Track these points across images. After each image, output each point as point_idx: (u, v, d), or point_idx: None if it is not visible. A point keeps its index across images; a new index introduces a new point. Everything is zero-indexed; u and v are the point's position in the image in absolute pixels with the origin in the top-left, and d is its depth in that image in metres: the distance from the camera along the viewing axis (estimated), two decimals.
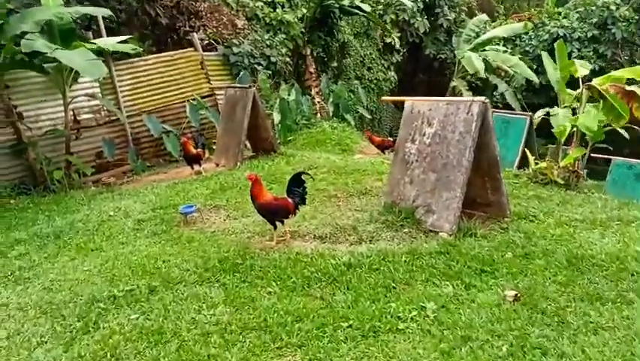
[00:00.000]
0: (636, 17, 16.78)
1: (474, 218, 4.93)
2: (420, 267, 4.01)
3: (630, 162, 9.57)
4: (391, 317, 3.34)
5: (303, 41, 13.03)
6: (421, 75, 20.55)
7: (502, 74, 16.69)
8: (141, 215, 5.93)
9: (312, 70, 13.30)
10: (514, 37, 18.14)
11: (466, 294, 3.58)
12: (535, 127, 9.93)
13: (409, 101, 5.30)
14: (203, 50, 10.64)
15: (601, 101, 6.99)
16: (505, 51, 16.75)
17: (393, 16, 17.06)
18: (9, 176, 8.20)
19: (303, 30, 13.00)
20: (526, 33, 17.53)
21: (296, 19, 12.77)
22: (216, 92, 10.60)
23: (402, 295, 3.62)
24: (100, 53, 8.68)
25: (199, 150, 8.03)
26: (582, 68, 8.16)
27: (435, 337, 3.11)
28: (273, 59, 11.70)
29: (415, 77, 20.36)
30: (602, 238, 4.47)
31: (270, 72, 11.60)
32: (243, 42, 11.22)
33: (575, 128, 7.02)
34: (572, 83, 10.53)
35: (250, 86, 8.26)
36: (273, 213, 4.68)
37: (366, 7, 13.55)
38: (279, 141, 9.66)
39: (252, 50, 11.28)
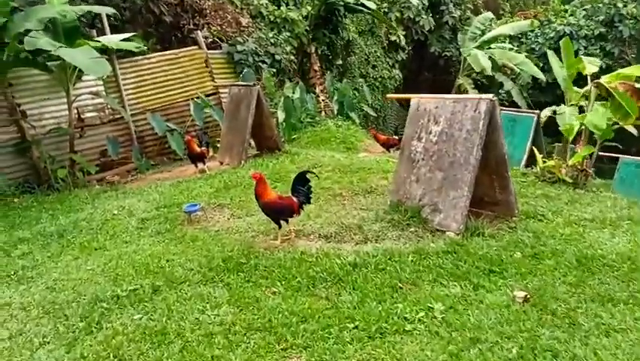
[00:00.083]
0: None
1: (481, 217, 4.86)
2: (427, 267, 3.95)
3: (638, 160, 9.47)
4: (398, 317, 3.28)
5: (307, 39, 12.96)
6: (426, 73, 20.44)
7: (508, 71, 16.57)
8: (145, 214, 5.89)
9: (316, 68, 13.24)
10: (519, 35, 18.02)
11: (474, 295, 3.52)
12: (542, 125, 9.83)
13: (415, 99, 5.23)
14: (208, 48, 10.60)
15: (609, 99, 6.90)
16: (511, 49, 16.62)
17: (398, 14, 16.96)
18: (13, 174, 8.18)
19: (307, 28, 12.93)
20: (532, 31, 17.42)
21: (300, 17, 12.70)
22: (220, 91, 10.56)
23: (409, 295, 3.56)
24: (104, 51, 8.65)
25: (203, 148, 7.99)
26: (591, 65, 8.07)
27: (443, 338, 3.05)
28: (277, 57, 11.64)
29: (419, 75, 20.26)
30: (612, 238, 4.40)
31: (275, 70, 11.55)
32: (248, 40, 11.17)
33: (582, 127, 6.93)
34: (578, 80, 10.45)
35: (254, 84, 8.21)
36: (278, 212, 4.63)
37: (372, 5, 13.46)
38: (283, 140, 9.60)
39: (256, 48, 11.23)
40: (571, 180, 6.25)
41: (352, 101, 13.22)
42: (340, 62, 14.63)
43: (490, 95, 4.67)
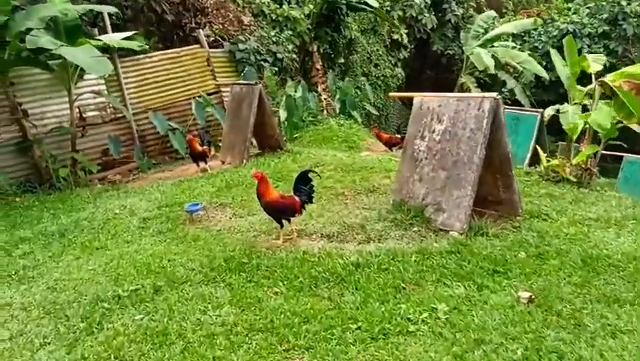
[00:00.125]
0: None
1: (485, 217, 4.82)
2: (430, 267, 3.91)
3: None
4: (401, 318, 3.24)
5: (309, 38, 12.92)
6: (429, 72, 20.38)
7: (511, 70, 16.50)
8: (147, 213, 5.87)
9: (318, 66, 13.19)
10: (522, 34, 17.95)
11: (478, 295, 3.48)
12: (545, 124, 9.77)
13: (418, 98, 5.19)
14: (209, 47, 10.56)
15: (613, 97, 6.85)
16: (514, 47, 16.54)
17: (400, 12, 16.90)
18: (14, 174, 8.16)
19: (309, 26, 12.88)
20: (535, 29, 17.32)
21: (302, 16, 12.65)
22: (222, 89, 10.53)
23: (412, 296, 3.53)
24: (106, 49, 8.63)
25: (205, 147, 7.96)
26: (595, 64, 7.99)
27: (447, 340, 3.01)
28: (279, 56, 11.60)
29: (422, 73, 20.20)
30: (617, 238, 4.36)
31: (277, 69, 11.51)
32: (249, 39, 11.14)
33: (587, 126, 6.88)
34: (582, 79, 10.38)
35: (256, 83, 8.18)
36: (280, 212, 4.60)
37: (374, 3, 13.40)
38: (285, 139, 9.57)
39: (258, 46, 11.19)
40: (575, 179, 6.21)
41: (354, 100, 13.17)
42: (342, 60, 14.58)
43: (494, 94, 4.64)
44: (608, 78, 6.87)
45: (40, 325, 3.59)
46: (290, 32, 12.19)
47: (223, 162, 8.31)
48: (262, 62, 11.19)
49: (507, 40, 16.98)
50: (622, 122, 7.05)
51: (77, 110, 8.70)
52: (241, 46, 10.90)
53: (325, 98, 12.79)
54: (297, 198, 4.58)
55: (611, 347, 2.85)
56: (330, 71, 13.66)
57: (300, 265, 4.04)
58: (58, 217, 6.20)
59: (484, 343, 2.96)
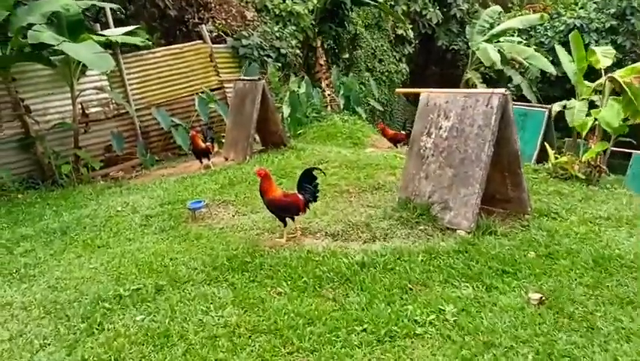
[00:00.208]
0: None
1: (493, 215, 4.73)
2: (437, 267, 3.82)
3: None
4: (408, 320, 3.16)
5: (313, 33, 12.80)
6: (433, 67, 20.22)
7: (517, 65, 16.32)
8: (149, 210, 5.81)
9: (322, 62, 13.07)
10: (528, 29, 17.73)
11: (487, 296, 3.40)
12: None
13: (424, 94, 5.09)
14: (212, 43, 10.47)
15: (621, 94, 6.73)
16: (520, 42, 16.37)
17: (404, 7, 16.73)
18: (17, 170, 8.11)
19: (313, 21, 12.77)
20: (542, 24, 17.12)
21: (306, 11, 12.53)
22: (225, 85, 10.44)
23: (419, 297, 3.44)
24: (109, 45, 8.57)
25: (208, 143, 7.88)
26: (605, 58, 7.85)
27: (455, 343, 2.93)
28: (282, 51, 11.49)
29: (426, 69, 20.05)
30: (629, 237, 4.25)
31: (280, 64, 11.40)
32: (253, 34, 11.03)
33: (596, 122, 6.76)
34: (589, 74, 10.23)
35: (259, 79, 8.09)
36: (283, 210, 4.52)
37: None
38: (288, 135, 9.48)
39: (261, 42, 11.08)
40: (584, 177, 6.10)
41: (359, 96, 13.06)
42: (346, 56, 14.45)
43: (503, 90, 4.53)
44: (618, 74, 6.74)
45: (40, 325, 3.53)
46: (293, 27, 12.07)
47: (226, 159, 8.24)
48: (265, 58, 11.09)
49: (513, 36, 16.80)
50: (628, 119, 6.92)
51: (80, 106, 8.64)
52: (244, 41, 10.80)
53: (329, 94, 12.69)
54: (300, 197, 4.50)
55: (625, 352, 2.76)
56: (334, 66, 13.54)
57: (304, 265, 3.97)
58: (61, 214, 6.15)
59: (494, 346, 2.87)
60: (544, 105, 10.35)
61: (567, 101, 10.93)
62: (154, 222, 5.42)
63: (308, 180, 4.58)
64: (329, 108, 12.27)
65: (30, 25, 7.03)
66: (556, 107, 10.49)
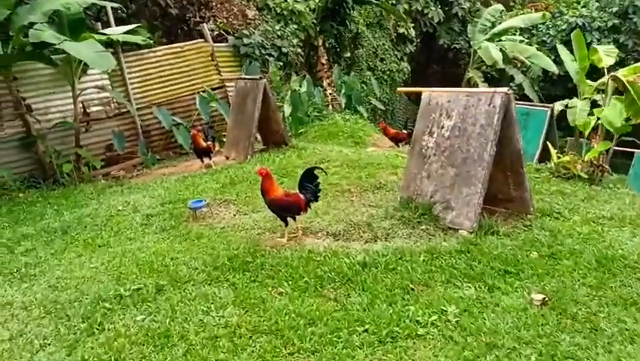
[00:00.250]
0: None
1: (495, 215, 4.71)
2: (439, 267, 3.80)
3: None
4: (410, 321, 3.14)
5: (314, 32, 12.77)
6: (435, 66, 20.16)
7: (519, 64, 16.27)
8: (150, 210, 5.80)
9: (323, 61, 13.04)
10: (530, 27, 17.66)
11: (489, 297, 3.37)
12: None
13: (426, 93, 5.06)
14: (214, 41, 10.45)
15: (624, 93, 6.68)
16: (522, 41, 16.31)
17: (406, 6, 16.67)
18: (18, 169, 8.10)
19: (314, 20, 12.73)
20: (543, 23, 17.06)
21: (307, 9, 12.50)
22: (227, 84, 10.42)
23: (421, 297, 3.42)
24: (110, 44, 8.55)
25: (209, 142, 7.86)
26: (607, 57, 7.80)
27: (457, 344, 2.91)
28: (284, 50, 11.46)
29: (428, 67, 19.99)
30: (632, 237, 4.22)
31: (281, 63, 11.38)
32: (254, 33, 11.00)
33: (599, 121, 6.72)
34: (591, 73, 10.18)
35: (261, 78, 8.06)
36: (284, 210, 4.50)
37: None
38: (290, 134, 9.46)
39: (262, 40, 11.05)
40: (586, 176, 6.06)
41: (360, 95, 13.03)
42: (348, 54, 14.41)
43: (505, 89, 4.50)
44: (621, 73, 6.70)
45: (40, 325, 3.52)
46: (295, 26, 12.04)
47: (227, 158, 8.22)
48: (267, 57, 11.06)
49: (515, 34, 16.74)
50: (630, 119, 6.88)
51: (81, 105, 8.62)
52: (245, 40, 10.78)
53: (331, 93, 12.66)
54: (301, 196, 4.48)
55: (629, 354, 2.74)
56: (336, 65, 13.51)
57: (306, 265, 3.95)
58: (62, 214, 6.14)
59: (497, 347, 2.85)
60: (546, 104, 10.30)
61: (569, 100, 10.89)
62: (155, 222, 5.41)
63: (309, 180, 4.56)
64: (330, 107, 12.24)
65: (31, 24, 7.02)
66: (558, 106, 10.45)
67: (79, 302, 3.76)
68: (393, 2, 16.24)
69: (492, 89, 4.61)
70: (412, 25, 16.87)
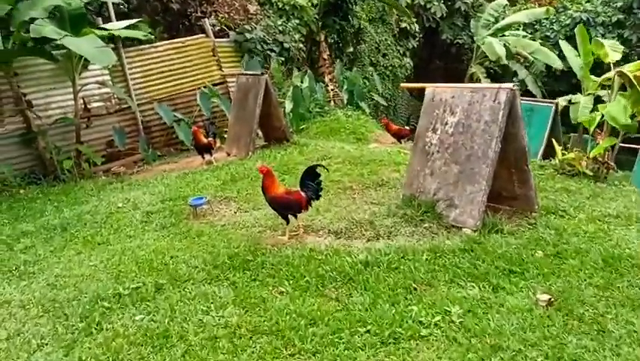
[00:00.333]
0: None
1: (499, 213, 4.64)
2: (442, 266, 3.74)
3: None
4: (413, 321, 3.08)
5: (316, 27, 12.67)
6: (437, 61, 20.03)
7: (522, 60, 16.14)
8: (150, 207, 5.75)
9: (325, 56, 12.94)
10: (534, 23, 17.50)
11: (494, 297, 3.31)
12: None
13: (429, 88, 4.98)
14: (215, 37, 10.37)
15: (629, 89, 6.59)
16: (525, 36, 16.17)
17: (409, 1, 16.52)
18: (19, 165, 8.07)
19: (316, 15, 12.63)
20: (547, 18, 16.90)
21: (310, 4, 12.39)
22: (228, 80, 10.35)
23: (424, 297, 3.37)
24: (111, 39, 8.49)
25: (210, 139, 7.80)
26: (613, 52, 7.69)
27: (462, 345, 2.85)
28: (286, 45, 11.38)
29: (430, 63, 19.85)
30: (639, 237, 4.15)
31: (283, 59, 11.29)
32: (256, 28, 10.92)
33: (604, 118, 6.63)
34: (595, 68, 10.07)
35: (262, 74, 7.99)
36: (285, 208, 4.44)
37: None
38: (291, 130, 9.39)
39: (264, 35, 10.97)
40: (591, 173, 5.98)
41: (362, 91, 12.93)
42: (350, 50, 14.30)
43: (511, 85, 4.43)
44: (628, 69, 6.61)
45: (38, 324, 3.48)
46: (297, 21, 11.94)
47: (228, 154, 8.16)
48: (268, 52, 10.98)
49: (518, 30, 16.60)
50: (635, 116, 6.79)
51: (82, 100, 8.58)
52: (247, 35, 10.69)
53: (332, 89, 12.57)
54: (303, 194, 4.42)
55: (637, 356, 2.68)
56: (338, 60, 13.41)
57: (307, 263, 3.89)
58: (61, 210, 6.10)
59: (502, 349, 2.79)
60: (550, 100, 10.20)
61: (573, 96, 10.79)
62: (155, 219, 5.36)
63: (311, 178, 4.50)
64: (332, 103, 12.16)
65: (32, 20, 6.98)
66: (561, 101, 10.35)
67: (77, 301, 3.72)
68: None
69: (497, 85, 4.53)
70: (415, 20, 16.74)
